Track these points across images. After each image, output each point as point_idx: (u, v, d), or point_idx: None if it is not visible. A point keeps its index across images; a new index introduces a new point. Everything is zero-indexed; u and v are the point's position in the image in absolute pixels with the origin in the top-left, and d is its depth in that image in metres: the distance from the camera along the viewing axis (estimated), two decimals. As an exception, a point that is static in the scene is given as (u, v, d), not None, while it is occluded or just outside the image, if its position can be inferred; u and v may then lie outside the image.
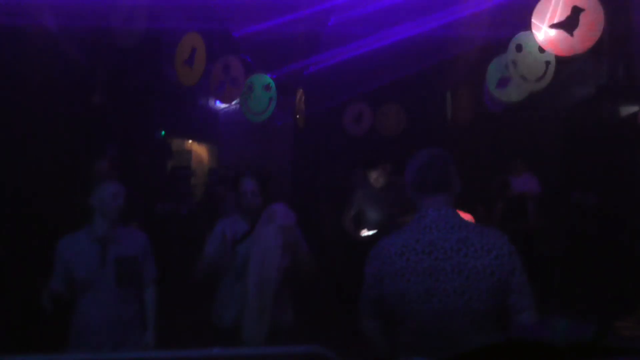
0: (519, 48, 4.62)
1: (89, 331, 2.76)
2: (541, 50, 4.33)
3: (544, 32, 3.70)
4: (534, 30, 3.77)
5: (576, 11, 3.56)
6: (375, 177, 4.68)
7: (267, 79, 6.13)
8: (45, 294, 2.70)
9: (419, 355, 1.78)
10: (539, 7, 3.71)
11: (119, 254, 2.80)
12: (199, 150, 10.06)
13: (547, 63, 4.52)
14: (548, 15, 3.66)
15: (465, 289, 1.84)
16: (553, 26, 3.65)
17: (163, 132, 8.25)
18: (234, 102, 6.95)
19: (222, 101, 6.69)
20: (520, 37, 4.60)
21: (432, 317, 1.86)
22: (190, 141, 9.78)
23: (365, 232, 4.63)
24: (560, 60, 4.55)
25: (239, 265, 2.96)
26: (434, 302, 1.85)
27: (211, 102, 9.24)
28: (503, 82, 5.24)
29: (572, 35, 3.59)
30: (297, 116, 7.40)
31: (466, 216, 2.91)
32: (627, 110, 6.34)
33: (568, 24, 3.58)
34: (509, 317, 1.87)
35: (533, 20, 3.73)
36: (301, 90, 7.24)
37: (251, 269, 2.87)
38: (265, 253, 2.87)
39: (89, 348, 2.71)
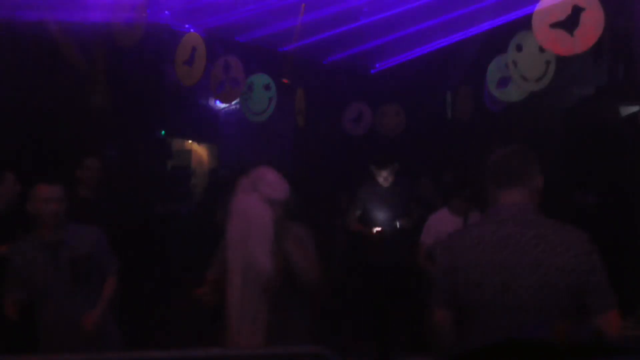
0: (519, 48, 4.62)
1: (58, 334, 2.72)
2: (541, 50, 4.33)
3: (544, 32, 3.70)
4: (534, 30, 3.76)
5: (576, 11, 3.56)
6: (385, 176, 4.61)
7: (267, 79, 6.13)
8: (6, 302, 2.68)
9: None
10: (539, 7, 3.71)
11: (71, 254, 2.75)
12: (199, 150, 10.05)
13: (547, 63, 4.52)
14: (548, 15, 3.65)
15: (541, 286, 1.79)
16: (553, 26, 3.64)
17: (163, 132, 8.24)
18: (234, 102, 6.95)
19: (222, 101, 6.69)
20: (521, 36, 4.60)
21: (505, 312, 1.82)
22: (190, 141, 9.78)
23: (378, 229, 4.57)
24: (560, 60, 4.54)
25: None
26: (508, 297, 1.82)
27: (211, 102, 9.23)
28: (503, 82, 5.24)
29: (572, 34, 3.59)
30: (297, 116, 7.40)
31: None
32: (627, 110, 6.34)
33: (568, 24, 3.57)
34: (588, 317, 1.80)
35: (533, 19, 3.73)
36: (301, 90, 7.23)
37: (230, 258, 2.11)
38: (248, 232, 2.06)
39: (62, 349, 2.66)
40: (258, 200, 2.13)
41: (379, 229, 4.52)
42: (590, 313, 1.80)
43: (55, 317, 2.73)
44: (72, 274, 2.74)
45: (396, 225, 4.54)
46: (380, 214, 4.60)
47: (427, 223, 4.13)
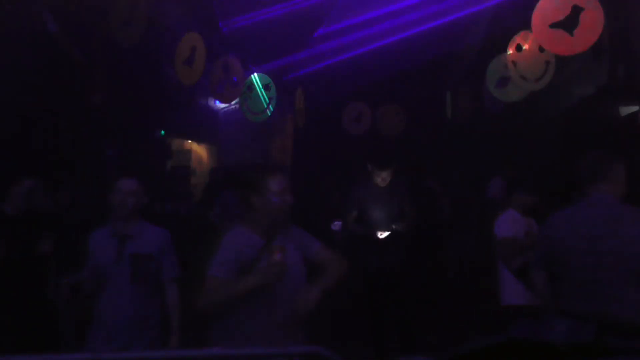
0: (518, 48, 4.62)
1: (105, 325, 2.77)
2: (541, 49, 4.33)
3: (543, 32, 3.70)
4: (533, 30, 3.76)
5: (576, 11, 3.56)
6: (384, 177, 4.55)
7: (267, 79, 6.14)
8: (63, 284, 2.71)
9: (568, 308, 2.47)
10: (539, 7, 3.71)
11: (135, 250, 2.80)
12: (198, 150, 10.05)
13: (547, 63, 4.52)
14: (548, 15, 3.65)
15: (617, 251, 2.40)
16: (553, 26, 3.65)
17: (163, 132, 8.24)
18: (233, 102, 6.95)
19: (222, 101, 6.69)
20: (520, 36, 4.60)
21: (590, 271, 2.46)
22: (190, 141, 9.78)
23: (383, 235, 4.47)
24: (560, 60, 4.55)
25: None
26: (592, 259, 2.46)
27: (211, 102, 9.24)
28: (503, 82, 5.24)
29: (572, 34, 3.59)
30: (297, 116, 7.41)
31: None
32: (627, 110, 6.34)
33: (568, 24, 3.57)
34: None
35: (533, 19, 3.73)
36: (301, 90, 7.24)
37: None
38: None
39: (104, 342, 2.73)
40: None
41: (385, 234, 4.42)
42: None
43: (107, 309, 2.77)
44: (132, 270, 2.77)
45: (392, 228, 4.48)
46: (377, 215, 4.52)
47: (497, 222, 3.92)
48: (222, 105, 8.78)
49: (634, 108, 6.12)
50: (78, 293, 2.74)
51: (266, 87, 6.09)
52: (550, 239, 2.67)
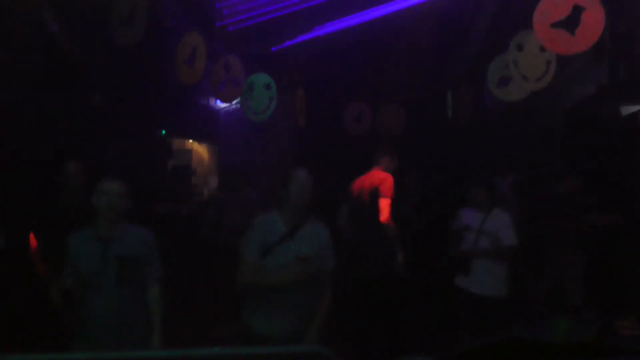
0: (519, 47, 4.61)
1: (92, 328, 2.76)
2: (542, 49, 4.32)
3: (544, 31, 3.69)
4: (534, 30, 3.76)
5: (577, 10, 3.56)
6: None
7: (268, 78, 6.12)
8: (55, 289, 2.70)
9: None
10: (539, 6, 3.70)
11: (121, 253, 2.78)
12: (199, 149, 10.06)
13: (548, 62, 4.51)
14: (549, 15, 3.65)
15: None
16: (554, 25, 3.64)
17: (163, 132, 8.25)
18: (234, 102, 6.94)
19: (223, 100, 6.68)
20: (521, 36, 4.59)
21: None
22: (190, 141, 9.79)
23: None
24: (561, 60, 4.54)
25: None
26: None
27: (211, 102, 9.24)
28: (503, 82, 5.23)
29: (573, 34, 3.58)
30: (298, 116, 7.39)
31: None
32: (628, 110, 6.33)
33: (569, 23, 3.57)
34: None
35: (534, 19, 3.72)
36: (301, 90, 7.23)
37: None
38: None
39: (91, 345, 2.71)
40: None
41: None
42: None
43: (94, 312, 2.76)
44: (118, 272, 2.76)
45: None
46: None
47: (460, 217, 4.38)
48: (223, 105, 8.79)
49: (635, 108, 6.11)
50: (70, 299, 2.71)
51: (267, 86, 6.08)
52: None
